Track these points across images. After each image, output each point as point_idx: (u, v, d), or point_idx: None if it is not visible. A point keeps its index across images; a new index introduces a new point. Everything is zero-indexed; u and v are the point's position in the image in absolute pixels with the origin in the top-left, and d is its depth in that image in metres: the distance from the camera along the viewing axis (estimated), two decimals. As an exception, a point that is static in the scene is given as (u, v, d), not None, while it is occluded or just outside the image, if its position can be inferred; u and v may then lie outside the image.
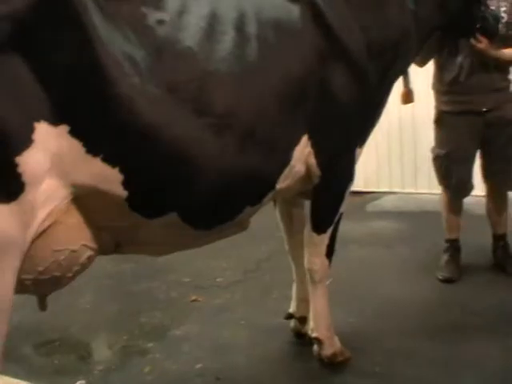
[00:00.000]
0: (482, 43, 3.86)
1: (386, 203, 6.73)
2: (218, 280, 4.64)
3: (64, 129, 2.16)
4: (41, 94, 2.08)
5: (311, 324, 3.52)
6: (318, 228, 3.29)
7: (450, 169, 4.26)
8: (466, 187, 4.37)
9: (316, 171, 3.05)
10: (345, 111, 3.00)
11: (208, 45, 2.49)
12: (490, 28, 3.81)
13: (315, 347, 3.53)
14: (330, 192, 3.21)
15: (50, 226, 2.25)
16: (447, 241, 4.56)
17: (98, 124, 2.22)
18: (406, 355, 3.52)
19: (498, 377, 3.27)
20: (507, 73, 4.22)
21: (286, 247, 3.75)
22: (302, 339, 3.76)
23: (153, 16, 2.38)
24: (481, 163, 4.41)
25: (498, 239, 4.56)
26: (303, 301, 3.72)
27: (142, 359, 3.69)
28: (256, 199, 2.87)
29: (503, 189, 4.49)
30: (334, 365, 3.46)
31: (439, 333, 3.74)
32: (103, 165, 2.26)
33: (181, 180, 2.45)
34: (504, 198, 4.51)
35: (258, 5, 2.72)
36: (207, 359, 3.61)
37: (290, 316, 3.81)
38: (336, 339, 3.51)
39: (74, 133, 2.18)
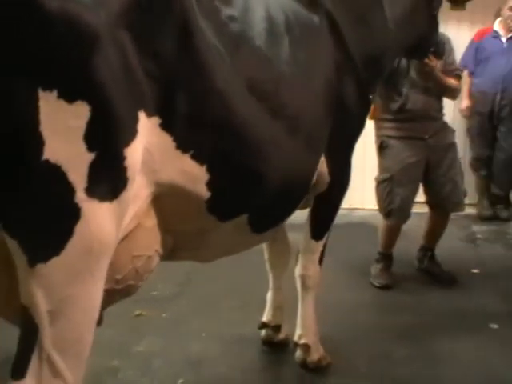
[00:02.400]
0: (433, 62, 4.28)
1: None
2: (153, 293, 4.52)
3: (155, 121, 2.01)
4: (142, 82, 1.94)
5: (299, 331, 3.60)
6: (318, 235, 3.41)
7: (394, 192, 4.56)
8: (407, 211, 4.69)
9: (326, 179, 3.16)
10: (352, 122, 3.19)
11: (272, 46, 2.54)
12: (440, 50, 4.27)
13: (299, 354, 3.63)
14: (331, 200, 3.34)
15: (132, 229, 2.12)
16: (380, 253, 4.89)
17: (191, 118, 2.11)
18: (384, 356, 3.76)
19: (473, 367, 3.63)
20: (442, 102, 4.70)
21: (266, 256, 3.81)
22: (273, 347, 3.83)
23: (225, 11, 2.35)
24: (425, 189, 4.78)
25: (427, 249, 4.98)
26: (279, 309, 3.80)
27: (114, 379, 3.50)
28: (300, 202, 2.95)
29: (452, 210, 4.84)
30: (319, 370, 3.59)
31: (403, 333, 4.04)
32: (192, 162, 2.15)
33: (257, 180, 2.45)
34: (446, 221, 4.88)
35: (292, 11, 2.79)
36: (187, 374, 3.54)
37: (263, 325, 3.85)
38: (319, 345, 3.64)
39: (165, 126, 2.03)
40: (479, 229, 6.06)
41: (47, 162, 1.72)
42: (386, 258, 4.88)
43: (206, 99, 2.15)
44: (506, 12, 5.97)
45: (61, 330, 1.89)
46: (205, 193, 2.24)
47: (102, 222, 1.87)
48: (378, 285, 4.74)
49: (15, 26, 1.65)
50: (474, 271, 5.08)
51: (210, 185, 2.23)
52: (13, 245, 1.78)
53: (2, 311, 2.07)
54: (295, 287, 3.57)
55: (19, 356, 1.90)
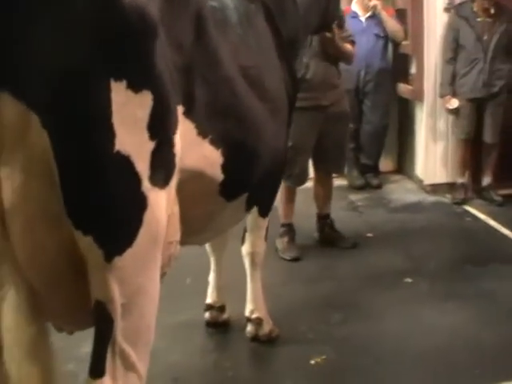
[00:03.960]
0: (335, 31, 4.64)
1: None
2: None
3: (181, 110, 2.13)
4: (173, 72, 2.07)
5: (250, 306, 3.83)
6: (265, 212, 3.62)
7: (295, 160, 4.83)
8: (306, 175, 5.08)
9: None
10: (290, 102, 3.40)
11: (245, 34, 2.75)
12: (342, 22, 4.67)
13: (250, 328, 3.85)
14: (278, 176, 3.58)
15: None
16: (284, 225, 5.19)
17: (208, 105, 2.28)
18: (323, 321, 4.09)
19: (401, 319, 4.06)
20: (339, 71, 5.07)
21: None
22: (218, 328, 4.01)
23: (208, 1, 2.52)
24: (313, 153, 5.12)
25: (324, 218, 5.36)
26: (222, 288, 3.98)
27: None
28: (280, 180, 3.28)
29: (334, 171, 5.33)
30: (270, 341, 3.84)
31: (331, 299, 4.38)
32: (210, 147, 2.32)
33: (256, 159, 2.66)
34: (331, 182, 5.33)
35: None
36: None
37: (209, 307, 4.01)
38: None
39: (188, 114, 2.17)
40: (356, 197, 6.54)
41: (118, 153, 1.79)
42: (289, 230, 5.18)
43: (218, 87, 2.33)
44: (362, -8, 6.51)
45: (133, 321, 1.97)
46: (219, 175, 2.39)
47: (162, 209, 1.98)
48: (288, 258, 5.03)
49: (93, 18, 1.72)
50: (369, 235, 5.54)
51: (224, 167, 2.39)
52: (86, 242, 1.82)
53: (71, 319, 2.10)
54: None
55: (96, 354, 1.96)
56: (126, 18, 1.77)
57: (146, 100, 1.84)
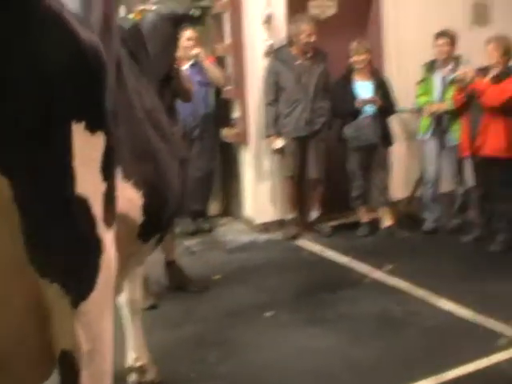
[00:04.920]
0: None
1: None
2: None
3: None
4: None
5: (134, 354, 3.78)
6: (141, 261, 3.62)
7: None
8: None
9: None
10: None
11: (140, 80, 2.81)
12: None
13: (134, 377, 3.79)
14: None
15: None
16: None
17: (129, 147, 2.30)
18: (200, 360, 4.13)
19: (298, 371, 4.09)
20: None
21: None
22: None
23: None
24: None
25: (172, 263, 5.38)
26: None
27: None
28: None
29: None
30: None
31: (201, 338, 4.45)
32: (133, 190, 2.34)
33: (168, 199, 2.69)
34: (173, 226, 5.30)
35: None
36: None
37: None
38: (151, 362, 3.86)
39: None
40: (191, 242, 6.60)
41: (79, 196, 1.75)
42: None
43: (135, 130, 2.37)
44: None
45: (96, 368, 1.92)
46: (140, 218, 2.40)
47: (113, 251, 1.97)
48: (145, 307, 4.98)
49: (54, 57, 1.67)
50: (216, 277, 5.64)
51: (143, 209, 2.39)
52: (53, 290, 1.77)
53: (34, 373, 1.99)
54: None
55: None
56: (85, 57, 1.74)
57: (99, 141, 1.82)
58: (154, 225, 2.58)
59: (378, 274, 5.54)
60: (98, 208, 1.82)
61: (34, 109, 1.63)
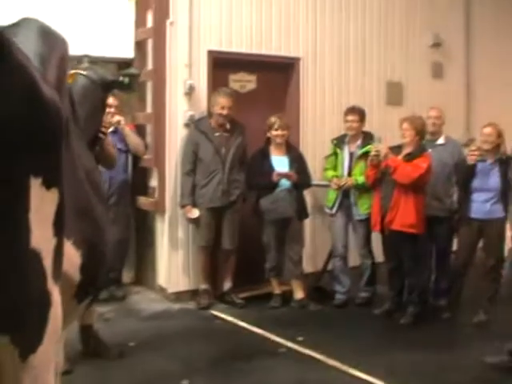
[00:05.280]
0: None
1: None
2: None
3: None
4: None
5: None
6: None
7: None
8: None
9: None
10: None
11: (78, 138, 2.87)
12: None
13: None
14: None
15: None
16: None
17: (70, 206, 2.26)
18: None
19: None
20: None
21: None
22: None
23: None
24: None
25: (88, 328, 5.28)
26: None
27: None
28: None
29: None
30: None
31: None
32: (73, 249, 2.34)
33: (104, 261, 2.70)
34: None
35: None
36: None
37: None
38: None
39: None
40: (104, 309, 6.47)
41: (33, 250, 1.79)
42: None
43: (77, 188, 2.40)
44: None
45: None
46: (78, 277, 2.40)
47: (60, 305, 1.98)
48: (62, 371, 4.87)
49: (17, 112, 1.71)
50: (131, 344, 5.57)
51: (81, 269, 2.40)
52: (3, 342, 1.77)
53: None
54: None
55: None
56: (48, 113, 1.79)
57: (54, 197, 1.87)
58: (90, 285, 2.58)
59: (292, 345, 5.59)
60: (48, 262, 1.85)
61: None
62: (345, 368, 5.04)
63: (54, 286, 1.89)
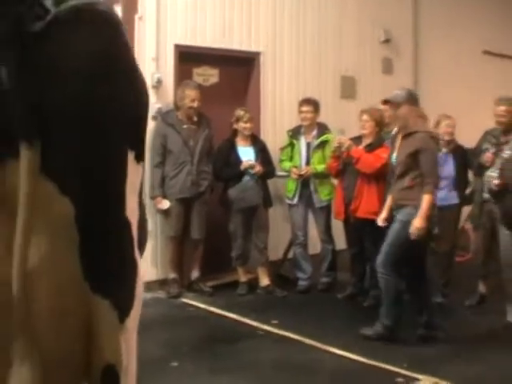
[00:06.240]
0: None
1: None
2: None
3: None
4: None
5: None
6: None
7: None
8: None
9: None
10: None
11: None
12: None
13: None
14: None
15: None
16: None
17: None
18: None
19: None
20: None
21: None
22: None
23: None
24: None
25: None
26: None
27: None
28: None
29: None
30: None
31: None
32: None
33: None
34: None
35: None
36: None
37: None
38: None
39: None
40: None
41: (126, 218, 1.94)
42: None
43: None
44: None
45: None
46: None
47: (141, 275, 2.10)
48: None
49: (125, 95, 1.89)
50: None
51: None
52: (104, 306, 1.89)
53: None
54: None
55: None
56: (144, 88, 1.96)
57: (140, 171, 2.01)
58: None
59: (269, 328, 5.88)
60: (135, 232, 1.99)
61: (97, 134, 1.82)
62: (324, 347, 5.35)
63: (138, 255, 2.03)
